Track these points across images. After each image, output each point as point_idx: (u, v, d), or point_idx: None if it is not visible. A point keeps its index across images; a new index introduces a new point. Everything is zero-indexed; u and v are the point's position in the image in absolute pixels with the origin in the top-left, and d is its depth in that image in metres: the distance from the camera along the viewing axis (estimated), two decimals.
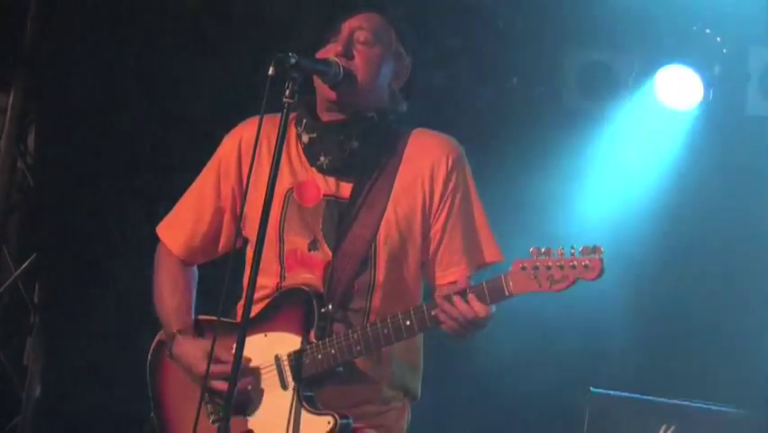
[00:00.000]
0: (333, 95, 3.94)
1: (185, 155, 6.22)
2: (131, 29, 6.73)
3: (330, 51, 3.97)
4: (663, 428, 5.89)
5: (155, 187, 6.64)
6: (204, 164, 4.25)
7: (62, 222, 6.97)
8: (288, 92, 3.73)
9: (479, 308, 3.68)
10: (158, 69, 6.78)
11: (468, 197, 4.06)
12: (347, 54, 3.95)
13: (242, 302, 4.02)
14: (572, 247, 3.61)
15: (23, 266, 7.15)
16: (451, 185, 4.02)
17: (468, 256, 3.98)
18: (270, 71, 3.68)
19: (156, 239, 4.34)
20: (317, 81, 3.97)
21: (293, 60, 3.73)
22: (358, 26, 3.97)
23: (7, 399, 7.16)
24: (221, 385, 3.86)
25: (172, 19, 6.75)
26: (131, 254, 6.36)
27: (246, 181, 3.92)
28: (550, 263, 3.63)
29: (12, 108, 7.13)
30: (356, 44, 3.96)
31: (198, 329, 4.16)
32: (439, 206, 4.02)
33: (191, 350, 4.06)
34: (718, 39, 6.56)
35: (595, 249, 3.59)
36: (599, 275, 3.59)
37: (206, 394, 3.93)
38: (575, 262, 3.60)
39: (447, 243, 4.02)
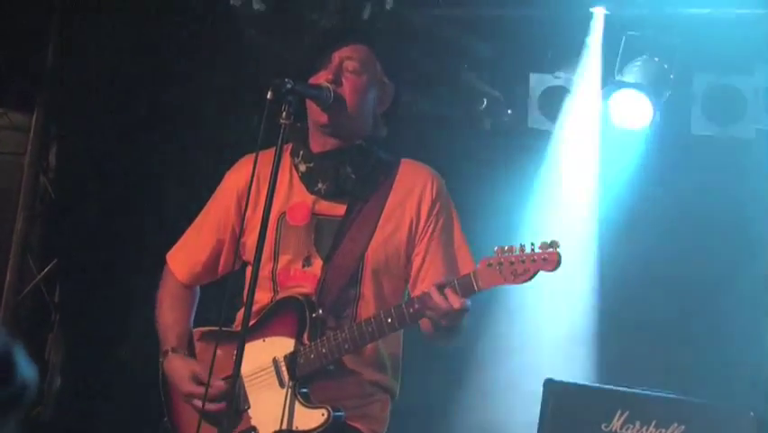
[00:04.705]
0: (324, 117, 3.99)
1: (196, 170, 6.26)
2: (147, 52, 6.73)
3: (321, 78, 4.02)
4: (618, 413, 5.91)
5: (165, 198, 6.68)
6: (213, 180, 4.33)
7: (80, 230, 6.98)
8: (284, 114, 3.78)
9: (453, 299, 3.72)
10: (173, 89, 6.80)
11: (450, 221, 4.12)
12: (337, 81, 4.00)
13: (240, 311, 4.08)
14: (532, 244, 3.66)
15: (45, 270, 7.18)
16: (435, 211, 4.08)
17: (449, 274, 3.96)
18: (269, 95, 3.74)
19: (162, 250, 4.42)
20: (310, 106, 4.03)
21: (289, 86, 3.79)
22: (347, 56, 4.04)
23: None
24: (198, 403, 3.96)
25: (189, 42, 6.77)
26: (142, 259, 6.38)
27: (244, 212, 4.00)
28: (513, 259, 3.67)
29: (35, 127, 7.15)
30: (345, 72, 4.03)
31: (191, 346, 4.22)
32: (424, 228, 4.08)
33: (179, 369, 4.13)
34: (666, 66, 6.62)
35: (552, 243, 3.64)
36: (557, 267, 3.64)
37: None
38: (535, 257, 3.65)
39: (430, 262, 4.06)
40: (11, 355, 1.75)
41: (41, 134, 7.14)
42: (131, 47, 6.71)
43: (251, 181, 3.89)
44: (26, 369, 1.77)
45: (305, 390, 3.95)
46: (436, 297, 3.74)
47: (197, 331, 4.29)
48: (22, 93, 7.12)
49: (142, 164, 6.85)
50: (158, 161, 6.87)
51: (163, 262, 4.43)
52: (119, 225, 6.85)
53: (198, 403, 3.97)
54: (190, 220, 4.40)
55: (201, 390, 3.95)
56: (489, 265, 3.71)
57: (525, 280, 3.69)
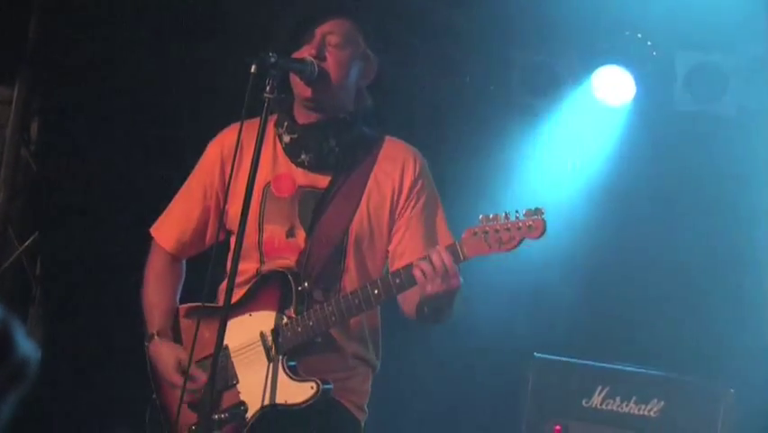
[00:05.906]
0: (308, 91, 3.98)
1: (179, 144, 6.22)
2: (132, 24, 6.68)
3: (304, 53, 4.00)
4: (599, 389, 5.96)
5: (148, 171, 6.65)
6: (196, 154, 4.31)
7: (62, 203, 6.95)
8: (268, 88, 3.77)
9: (445, 257, 3.72)
10: (156, 62, 6.74)
11: (432, 201, 4.12)
12: (320, 56, 3.98)
13: (223, 285, 4.08)
14: (517, 211, 3.67)
15: (26, 243, 7.15)
16: (416, 188, 4.08)
17: (428, 247, 3.96)
18: (253, 69, 3.72)
19: (143, 223, 4.40)
20: (294, 80, 4.01)
21: (273, 59, 3.77)
22: (329, 31, 4.01)
23: None
24: (189, 397, 3.96)
25: (173, 16, 6.71)
26: (124, 232, 6.37)
27: (228, 180, 3.97)
28: (498, 227, 3.68)
29: (16, 101, 7.10)
30: (328, 47, 4.00)
31: (176, 325, 4.22)
32: (405, 204, 4.07)
33: (164, 357, 4.12)
34: (649, 42, 6.64)
35: (537, 210, 3.65)
36: (542, 234, 3.65)
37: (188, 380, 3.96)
38: (520, 224, 3.66)
39: (409, 238, 4.06)
40: (9, 331, 1.73)
41: (22, 107, 7.10)
42: (114, 20, 6.68)
43: (236, 149, 3.88)
44: (25, 345, 1.76)
45: (293, 363, 3.95)
46: (423, 264, 3.73)
47: (183, 308, 4.27)
48: (3, 65, 7.07)
49: (125, 137, 6.82)
50: (140, 134, 6.84)
51: (145, 234, 4.39)
52: (101, 198, 6.83)
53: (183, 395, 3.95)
54: (173, 194, 4.37)
55: (190, 385, 3.96)
56: (475, 234, 3.72)
57: (512, 249, 3.70)
